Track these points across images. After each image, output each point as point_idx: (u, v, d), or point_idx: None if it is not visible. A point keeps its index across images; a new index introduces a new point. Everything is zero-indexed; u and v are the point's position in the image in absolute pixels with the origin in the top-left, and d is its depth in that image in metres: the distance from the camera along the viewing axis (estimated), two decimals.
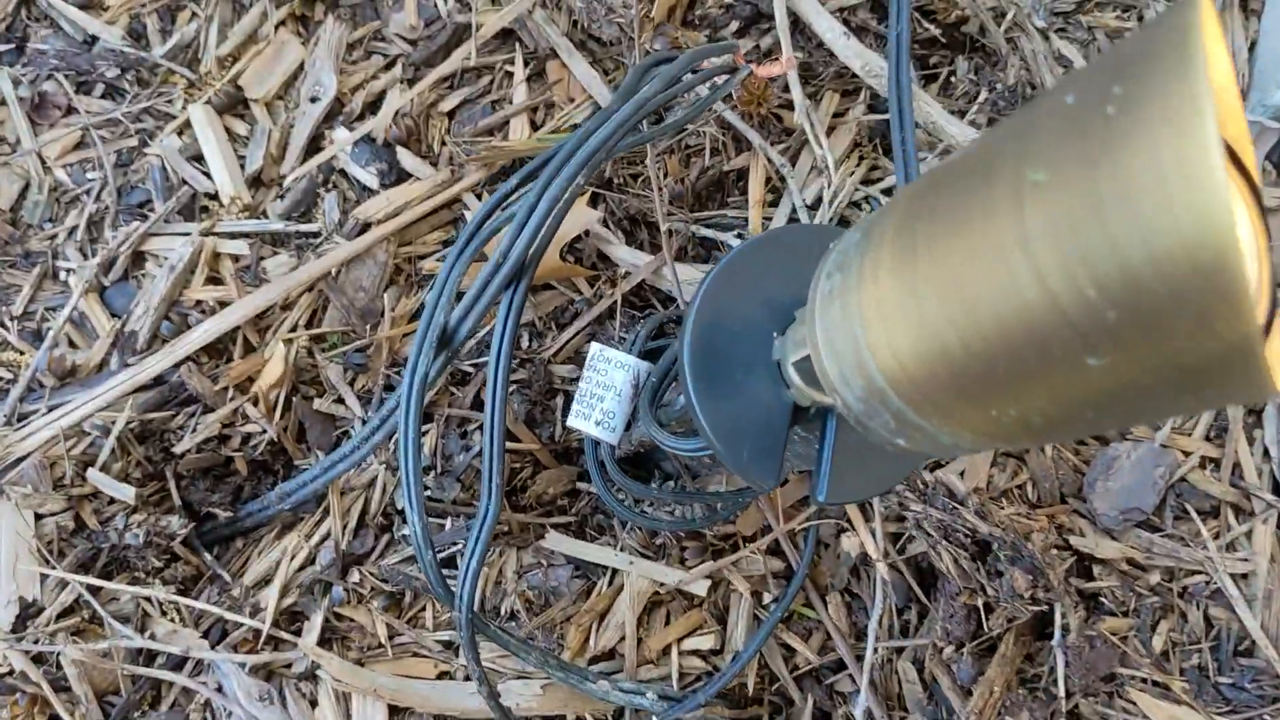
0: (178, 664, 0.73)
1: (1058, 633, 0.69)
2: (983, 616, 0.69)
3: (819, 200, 0.80)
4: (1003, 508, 0.71)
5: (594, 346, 0.66)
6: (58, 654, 0.71)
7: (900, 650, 0.74)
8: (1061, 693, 0.68)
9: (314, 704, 0.72)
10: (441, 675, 0.73)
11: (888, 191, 0.81)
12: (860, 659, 0.73)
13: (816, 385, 0.46)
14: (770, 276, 0.48)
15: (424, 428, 0.78)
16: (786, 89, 0.81)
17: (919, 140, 0.80)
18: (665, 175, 0.82)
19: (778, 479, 0.45)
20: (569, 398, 0.79)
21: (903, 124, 0.75)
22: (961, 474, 0.74)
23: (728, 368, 0.47)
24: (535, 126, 0.84)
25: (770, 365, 0.47)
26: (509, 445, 0.78)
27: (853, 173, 0.81)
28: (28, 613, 0.72)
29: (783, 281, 0.47)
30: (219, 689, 0.71)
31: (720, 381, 0.47)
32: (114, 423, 0.74)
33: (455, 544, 0.76)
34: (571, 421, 0.66)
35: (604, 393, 0.65)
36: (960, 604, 0.70)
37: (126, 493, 0.74)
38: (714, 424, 0.46)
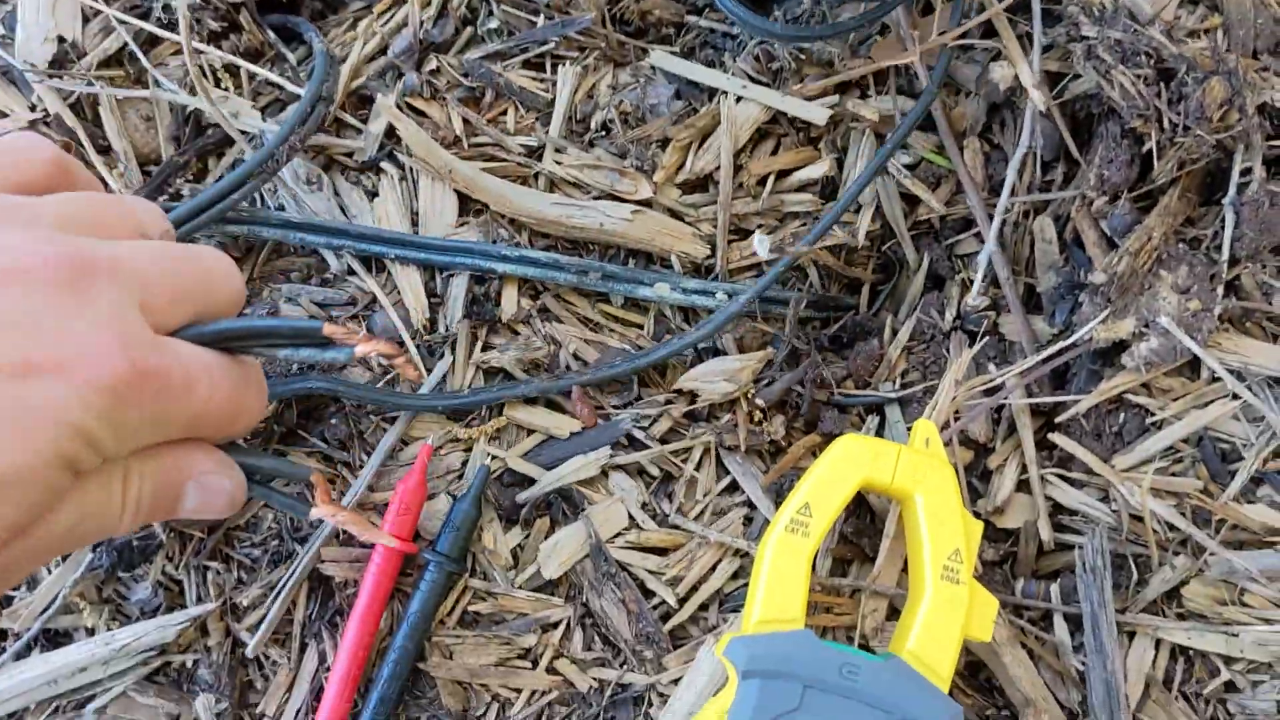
0: (225, 140, 0.70)
1: (1233, 188, 0.63)
2: (1152, 159, 0.63)
3: None
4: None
5: None
6: (95, 99, 0.68)
7: (1042, 207, 0.69)
8: (1225, 257, 0.63)
9: (373, 195, 0.70)
10: (521, 182, 0.69)
11: None
12: (992, 216, 0.68)
13: None
14: None
15: None
16: None
17: None
18: None
19: None
20: None
21: None
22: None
23: None
24: None
25: None
26: None
27: None
28: (66, 55, 0.69)
29: None
30: None
31: None
32: None
33: (545, 42, 0.71)
34: None
35: None
36: (1125, 146, 0.64)
37: None
38: None
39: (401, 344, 0.66)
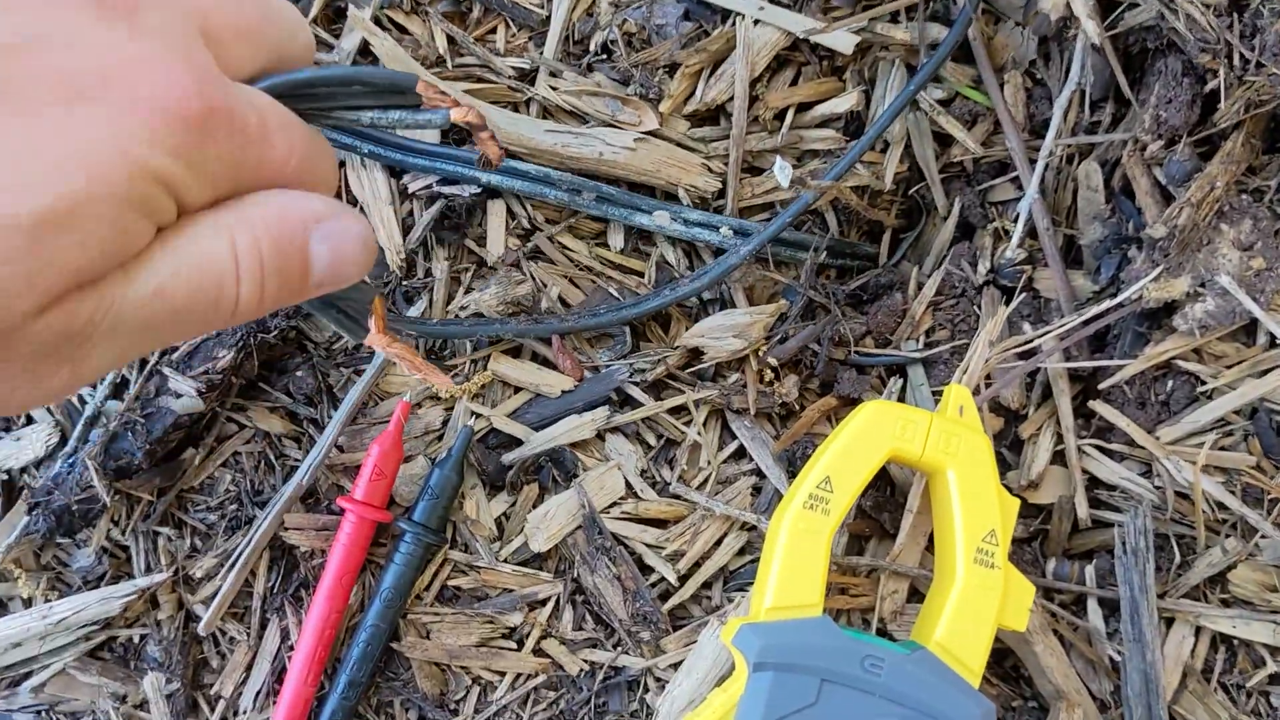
0: None
1: None
2: (1215, 100, 0.56)
3: None
4: None
5: None
6: None
7: (1087, 151, 0.62)
8: None
9: None
10: (511, 108, 0.62)
11: None
12: (1033, 160, 0.61)
13: None
14: None
15: None
16: None
17: None
18: None
19: None
20: None
21: None
22: None
23: None
24: None
25: None
26: None
27: None
28: None
29: None
30: None
31: None
32: None
33: None
34: None
35: None
36: (1186, 85, 0.57)
37: None
38: None
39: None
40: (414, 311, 0.60)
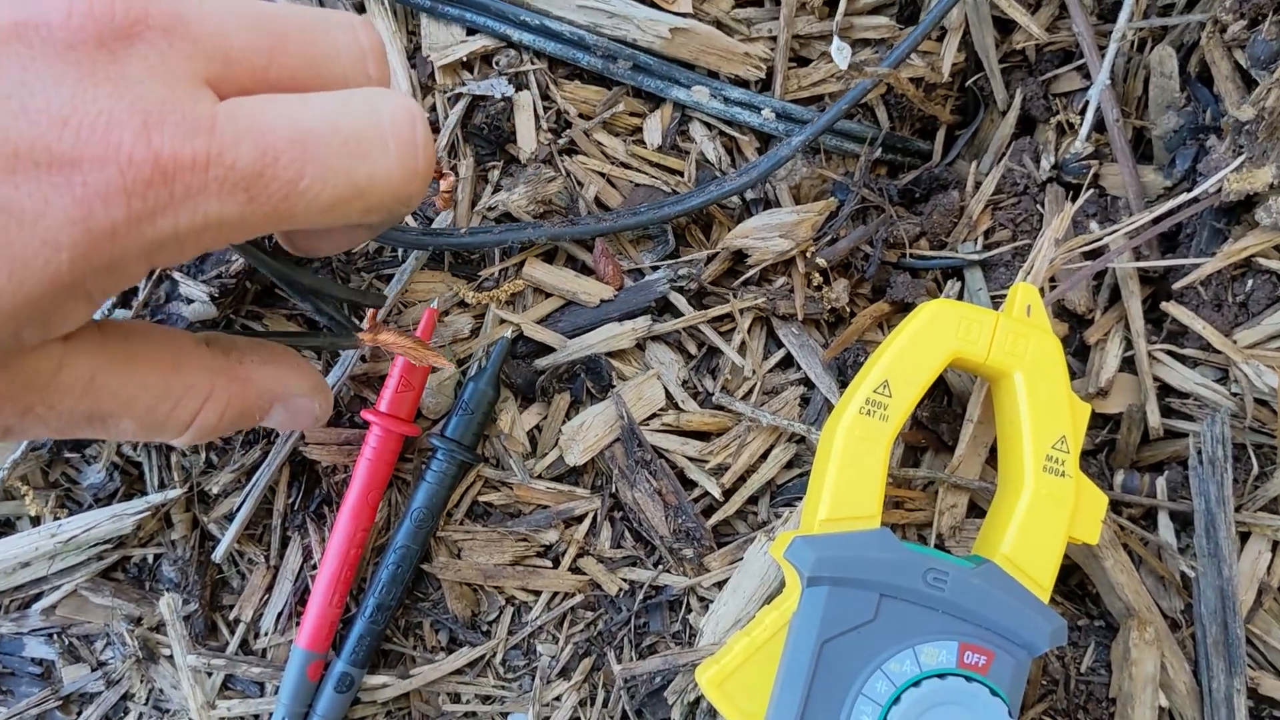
0: None
1: None
2: None
3: None
4: None
5: None
6: None
7: (1159, 35, 0.58)
8: None
9: None
10: None
11: None
12: (1103, 47, 0.57)
13: None
14: None
15: None
16: None
17: None
18: None
19: None
20: None
21: None
22: None
23: None
24: None
25: None
26: None
27: None
28: None
29: None
30: None
31: None
32: None
33: None
34: None
35: None
36: None
37: None
38: None
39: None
40: (442, 217, 0.56)
